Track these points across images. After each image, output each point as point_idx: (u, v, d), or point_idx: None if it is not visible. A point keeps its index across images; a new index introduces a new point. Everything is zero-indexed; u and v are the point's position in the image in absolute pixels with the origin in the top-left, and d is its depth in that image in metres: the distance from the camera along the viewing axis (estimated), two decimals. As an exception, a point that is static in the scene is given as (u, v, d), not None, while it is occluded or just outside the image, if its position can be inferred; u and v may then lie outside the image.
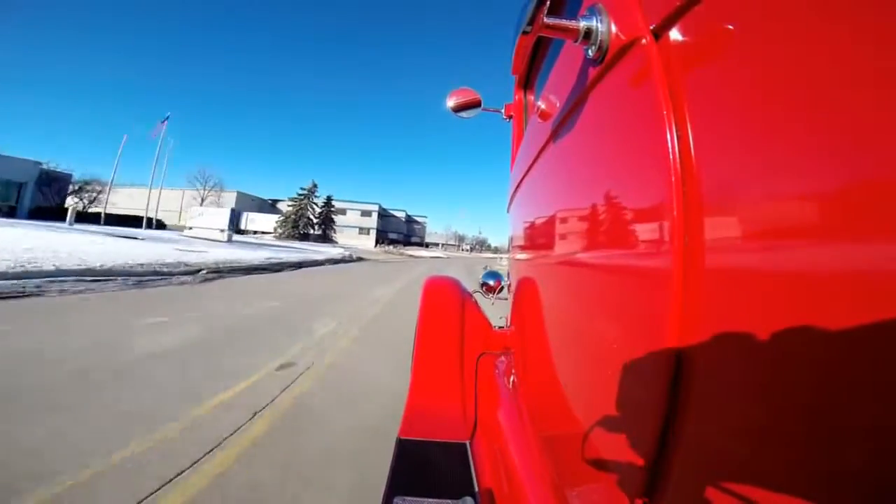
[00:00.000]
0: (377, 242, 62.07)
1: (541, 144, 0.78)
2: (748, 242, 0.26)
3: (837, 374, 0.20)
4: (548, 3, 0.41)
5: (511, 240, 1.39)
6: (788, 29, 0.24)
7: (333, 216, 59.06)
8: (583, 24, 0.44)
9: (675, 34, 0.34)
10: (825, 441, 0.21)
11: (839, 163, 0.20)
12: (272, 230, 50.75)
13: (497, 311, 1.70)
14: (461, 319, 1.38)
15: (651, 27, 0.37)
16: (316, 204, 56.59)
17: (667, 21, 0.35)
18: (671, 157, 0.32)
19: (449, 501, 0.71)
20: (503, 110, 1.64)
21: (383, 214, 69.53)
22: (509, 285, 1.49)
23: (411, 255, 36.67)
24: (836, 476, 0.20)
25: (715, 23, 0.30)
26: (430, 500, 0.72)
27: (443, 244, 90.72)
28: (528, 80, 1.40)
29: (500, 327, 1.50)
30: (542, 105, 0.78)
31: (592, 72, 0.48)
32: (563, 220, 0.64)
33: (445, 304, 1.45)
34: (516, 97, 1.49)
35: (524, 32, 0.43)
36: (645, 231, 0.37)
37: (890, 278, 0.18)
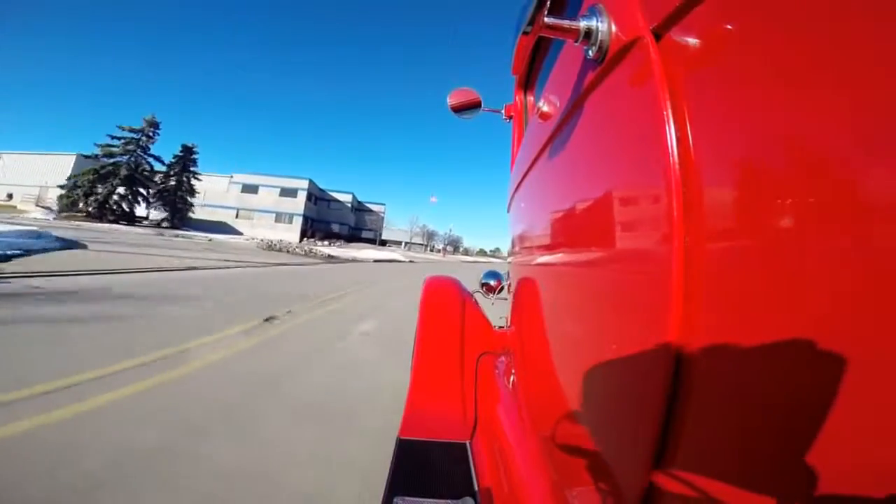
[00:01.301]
0: (305, 235, 42.09)
1: (541, 145, 0.78)
2: (748, 243, 0.26)
3: (839, 373, 0.20)
4: (548, 3, 0.41)
5: (511, 240, 1.39)
6: (789, 29, 0.24)
7: (197, 179, 34.31)
8: (583, 24, 0.44)
9: (675, 34, 0.34)
10: (826, 441, 0.21)
11: (839, 163, 0.21)
12: (55, 206, 27.28)
13: (497, 312, 1.70)
14: (461, 319, 1.38)
15: (651, 27, 0.37)
16: (152, 156, 30.43)
17: (667, 21, 0.35)
18: (671, 157, 0.32)
19: (449, 501, 0.71)
20: (503, 111, 1.64)
21: (318, 197, 48.35)
22: (509, 285, 1.49)
23: (330, 257, 17.91)
24: (837, 477, 0.20)
25: (715, 23, 0.30)
26: (430, 500, 0.72)
27: (406, 242, 66.17)
28: (529, 81, 1.40)
29: (500, 327, 1.50)
30: (542, 105, 0.78)
31: (592, 72, 0.48)
32: (564, 221, 0.64)
33: (445, 304, 1.45)
34: (516, 97, 1.49)
35: (524, 33, 0.43)
36: (645, 231, 0.37)
37: (892, 278, 0.18)
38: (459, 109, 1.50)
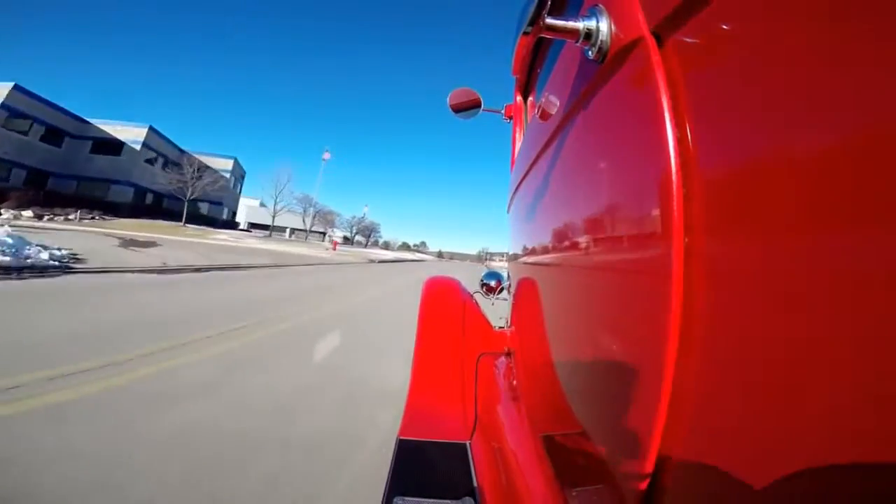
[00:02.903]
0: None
1: (541, 145, 0.79)
2: (748, 243, 0.26)
3: (839, 374, 0.20)
4: (548, 3, 0.41)
5: (511, 240, 1.39)
6: (790, 30, 0.24)
7: None
8: (583, 24, 0.44)
9: (676, 35, 0.34)
10: (827, 441, 0.21)
11: (839, 164, 0.21)
12: None
13: (497, 312, 1.70)
14: (461, 319, 1.38)
15: (652, 28, 0.37)
16: None
17: (668, 22, 0.35)
18: (671, 158, 0.32)
19: (449, 502, 0.71)
20: (503, 111, 1.65)
21: (45, 123, 22.76)
22: (509, 286, 1.50)
23: None
24: (837, 477, 0.20)
25: (716, 24, 0.30)
26: (430, 500, 0.72)
27: (292, 230, 43.23)
28: (529, 81, 1.40)
29: (500, 327, 1.50)
30: (542, 106, 0.79)
31: (593, 73, 0.48)
32: (564, 221, 0.64)
33: (445, 304, 1.45)
34: (517, 98, 1.50)
35: (525, 33, 0.43)
36: (645, 232, 0.37)
37: (892, 278, 0.18)
38: (460, 109, 1.51)
